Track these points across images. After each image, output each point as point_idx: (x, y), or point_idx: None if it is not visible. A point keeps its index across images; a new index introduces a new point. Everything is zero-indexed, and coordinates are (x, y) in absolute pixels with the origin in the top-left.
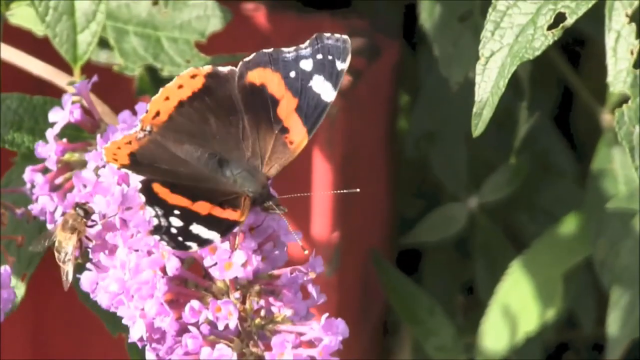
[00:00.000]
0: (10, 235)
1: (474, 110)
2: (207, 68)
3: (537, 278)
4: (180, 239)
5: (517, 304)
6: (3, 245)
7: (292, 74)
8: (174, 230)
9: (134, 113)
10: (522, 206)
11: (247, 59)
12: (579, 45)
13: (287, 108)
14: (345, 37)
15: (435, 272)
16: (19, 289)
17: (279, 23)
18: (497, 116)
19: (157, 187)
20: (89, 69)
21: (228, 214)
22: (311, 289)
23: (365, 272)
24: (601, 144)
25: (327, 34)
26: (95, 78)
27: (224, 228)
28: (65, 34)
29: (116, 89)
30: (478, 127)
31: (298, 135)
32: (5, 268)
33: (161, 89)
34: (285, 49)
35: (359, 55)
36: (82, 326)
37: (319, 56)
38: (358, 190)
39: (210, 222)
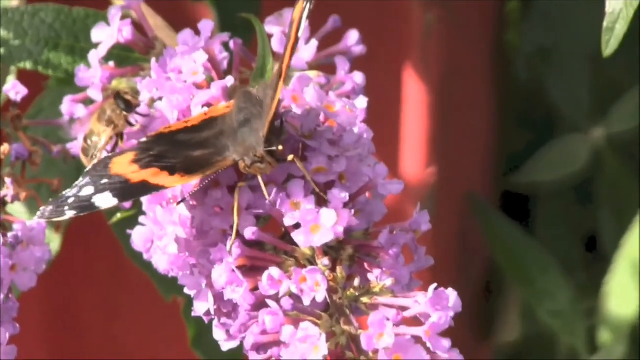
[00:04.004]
0: (43, 178)
1: (605, 24)
2: None
3: None
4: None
5: None
6: (35, 189)
7: None
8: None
9: (196, 32)
10: None
11: None
12: None
13: None
14: None
15: (549, 221)
16: (54, 242)
17: None
18: (630, 26)
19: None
20: None
21: (161, 179)
22: (416, 251)
23: (464, 220)
24: None
25: None
26: None
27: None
28: None
29: None
30: (610, 44)
31: None
32: (40, 221)
33: None
34: None
35: None
36: (113, 284)
37: None
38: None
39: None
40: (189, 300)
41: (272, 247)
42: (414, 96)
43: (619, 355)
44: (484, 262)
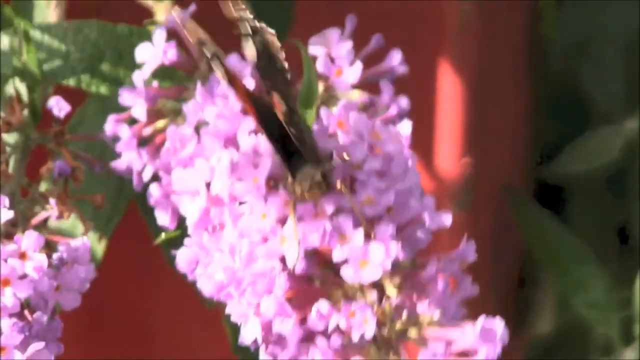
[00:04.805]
0: (86, 195)
1: None
2: None
3: None
4: None
5: None
6: (77, 205)
7: None
8: None
9: (243, 57)
10: None
11: None
12: None
13: None
14: None
15: (582, 212)
16: (96, 250)
17: None
18: None
19: None
20: None
21: None
22: (462, 280)
23: (499, 211)
24: None
25: None
26: (193, 6)
27: None
28: None
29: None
30: None
31: None
32: (84, 241)
33: None
34: None
35: None
36: (151, 287)
37: None
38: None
39: None
40: None
41: (318, 279)
42: (449, 89)
43: None
44: (519, 253)
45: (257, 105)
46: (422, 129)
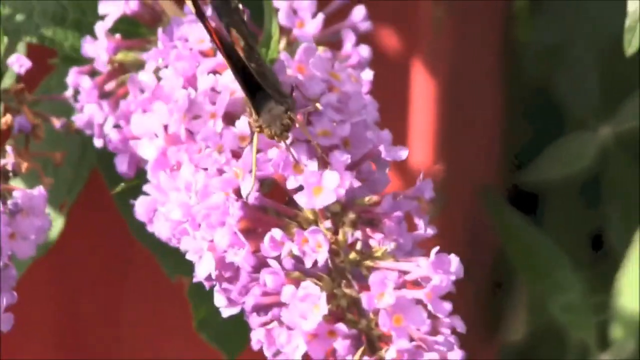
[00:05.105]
0: (47, 152)
1: (627, 23)
2: None
3: None
4: None
5: None
6: (38, 164)
7: None
8: None
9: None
10: None
11: None
12: None
13: None
14: None
15: (556, 218)
16: (56, 220)
17: None
18: None
19: None
20: None
21: None
22: (418, 219)
23: (473, 215)
24: None
25: None
26: None
27: None
28: None
29: None
30: (632, 43)
31: None
32: (40, 189)
33: None
34: None
35: None
36: (117, 268)
37: None
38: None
39: None
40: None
41: (275, 212)
42: (422, 91)
43: (630, 352)
44: (493, 256)
45: (224, 41)
46: (395, 130)
